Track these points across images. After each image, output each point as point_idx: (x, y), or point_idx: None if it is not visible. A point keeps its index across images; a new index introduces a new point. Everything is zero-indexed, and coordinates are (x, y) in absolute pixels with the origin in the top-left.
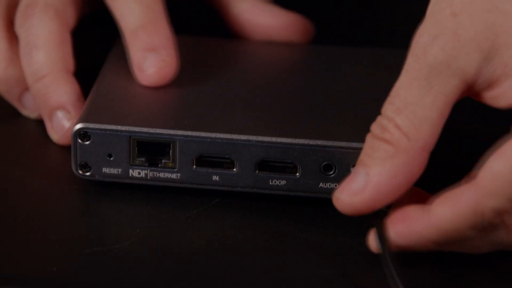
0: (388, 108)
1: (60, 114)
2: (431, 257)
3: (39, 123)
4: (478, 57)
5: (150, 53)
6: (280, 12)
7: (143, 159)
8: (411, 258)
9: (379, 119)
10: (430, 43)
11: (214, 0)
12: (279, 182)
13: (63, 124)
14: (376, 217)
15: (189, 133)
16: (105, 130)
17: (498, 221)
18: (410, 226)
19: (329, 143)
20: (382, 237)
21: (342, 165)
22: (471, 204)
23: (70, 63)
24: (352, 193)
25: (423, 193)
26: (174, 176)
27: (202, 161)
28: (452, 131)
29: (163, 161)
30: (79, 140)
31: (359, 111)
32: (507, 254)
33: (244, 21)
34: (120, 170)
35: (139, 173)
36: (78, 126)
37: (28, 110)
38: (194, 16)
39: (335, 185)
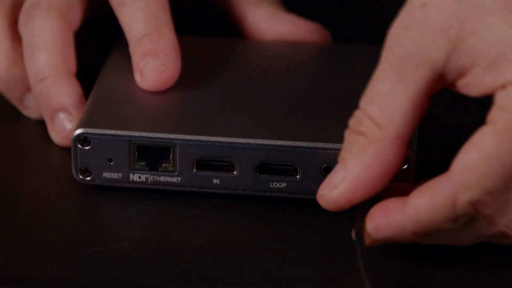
0: (363, 100)
1: (62, 116)
2: (415, 253)
3: (39, 124)
4: (445, 46)
5: (151, 57)
6: (297, 20)
7: (143, 164)
8: (395, 253)
9: (356, 112)
10: (400, 34)
11: (228, 8)
12: (280, 185)
13: (64, 126)
14: (356, 213)
15: (189, 137)
16: (105, 135)
17: (475, 213)
18: (388, 218)
19: (329, 145)
20: (359, 234)
21: None
22: (446, 197)
23: (72, 64)
24: (331, 188)
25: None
26: (174, 180)
27: (203, 164)
28: (450, 129)
29: (163, 165)
30: (79, 145)
31: None
32: (484, 248)
33: (261, 30)
34: (120, 174)
35: (140, 177)
36: (78, 131)
37: (29, 110)
38: (194, 16)
39: None
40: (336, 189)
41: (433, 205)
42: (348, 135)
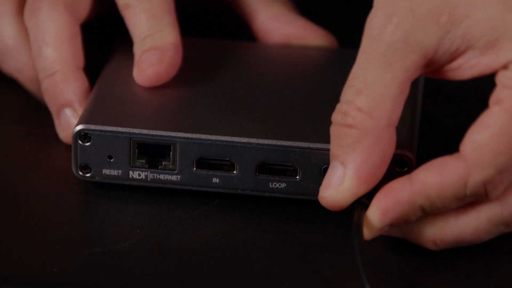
0: (348, 92)
1: (68, 112)
2: (413, 250)
3: (39, 124)
4: (436, 31)
5: (150, 52)
6: (306, 24)
7: (144, 161)
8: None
9: (339, 106)
10: (385, 22)
11: (239, 4)
12: (279, 185)
13: (70, 122)
14: (355, 208)
15: (189, 135)
16: (106, 131)
17: (483, 194)
18: (396, 197)
19: (329, 146)
20: (357, 228)
21: None
22: (457, 175)
23: (80, 58)
24: (334, 187)
25: None
26: (174, 178)
27: (202, 163)
28: (450, 131)
29: (163, 163)
30: (80, 142)
31: None
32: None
33: (270, 29)
34: (120, 171)
35: (139, 175)
36: (79, 127)
37: None
38: (199, 16)
39: None
40: (340, 187)
41: (442, 183)
42: (335, 130)
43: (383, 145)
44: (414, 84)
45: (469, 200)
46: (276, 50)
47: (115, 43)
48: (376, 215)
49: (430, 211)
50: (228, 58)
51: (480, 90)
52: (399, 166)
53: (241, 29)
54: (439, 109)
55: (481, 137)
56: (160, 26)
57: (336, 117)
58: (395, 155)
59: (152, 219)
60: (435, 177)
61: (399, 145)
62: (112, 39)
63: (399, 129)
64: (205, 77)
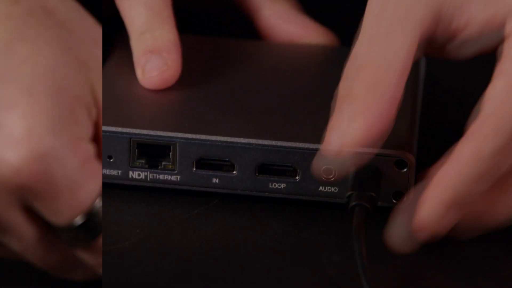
0: (351, 68)
1: None
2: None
3: None
4: (434, 7)
5: (153, 55)
6: (308, 22)
7: (143, 161)
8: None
9: (341, 83)
10: (386, 0)
11: (244, 0)
12: (279, 186)
13: None
14: (354, 212)
15: (189, 135)
16: (105, 131)
17: (501, 164)
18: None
19: None
20: (357, 231)
21: None
22: (470, 154)
23: None
24: (344, 125)
25: None
26: (174, 178)
27: (202, 163)
28: (451, 132)
29: (163, 163)
30: None
31: None
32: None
33: (272, 25)
34: (120, 171)
35: (139, 175)
36: None
37: None
38: (198, 14)
39: (335, 189)
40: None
41: (458, 168)
42: (339, 102)
43: (386, 119)
44: (415, 83)
45: (490, 176)
46: (276, 48)
47: (113, 42)
48: (402, 227)
49: (462, 202)
50: (227, 57)
51: (483, 89)
52: (399, 167)
53: (241, 29)
54: (439, 108)
55: (489, 108)
56: (159, 20)
57: (340, 90)
58: (394, 156)
59: (152, 219)
60: (450, 166)
61: (398, 145)
62: (111, 39)
63: (398, 129)
64: (204, 77)
